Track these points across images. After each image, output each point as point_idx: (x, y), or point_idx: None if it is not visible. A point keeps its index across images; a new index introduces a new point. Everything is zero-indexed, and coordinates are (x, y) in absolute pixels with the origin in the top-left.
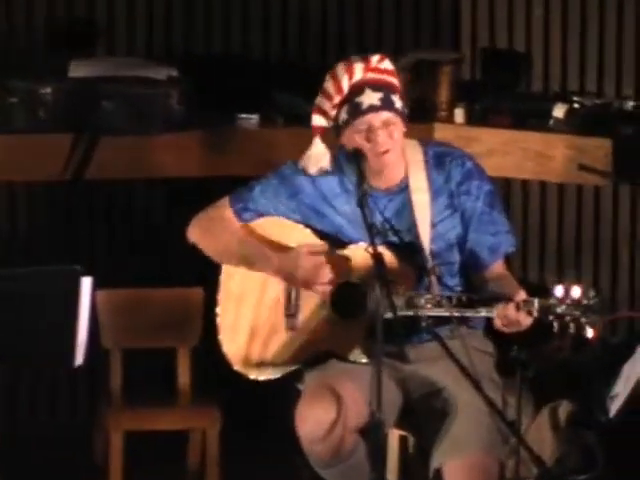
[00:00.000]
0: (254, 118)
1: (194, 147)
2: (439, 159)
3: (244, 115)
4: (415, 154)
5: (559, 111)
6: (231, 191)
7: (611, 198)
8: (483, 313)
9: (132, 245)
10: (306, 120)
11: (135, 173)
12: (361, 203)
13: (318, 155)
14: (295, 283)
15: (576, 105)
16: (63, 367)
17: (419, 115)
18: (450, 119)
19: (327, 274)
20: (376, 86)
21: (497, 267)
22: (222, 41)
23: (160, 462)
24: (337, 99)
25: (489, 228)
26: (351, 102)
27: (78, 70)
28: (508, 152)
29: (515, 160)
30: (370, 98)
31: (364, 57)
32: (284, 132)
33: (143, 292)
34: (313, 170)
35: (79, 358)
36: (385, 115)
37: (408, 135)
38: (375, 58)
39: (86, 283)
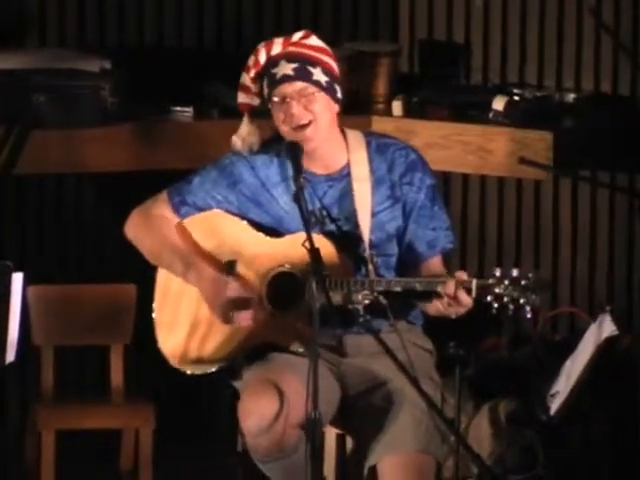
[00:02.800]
0: (188, 111)
1: (127, 141)
2: (382, 148)
3: (178, 108)
4: (357, 142)
5: (499, 103)
6: (166, 186)
7: (552, 193)
8: (420, 286)
9: (63, 241)
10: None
11: (67, 168)
12: (297, 197)
13: (245, 133)
14: (212, 310)
15: (516, 97)
16: None
17: (356, 108)
18: (388, 112)
19: (247, 318)
20: (292, 58)
21: (434, 263)
22: (155, 31)
23: (92, 462)
24: (253, 72)
25: (429, 223)
26: (267, 74)
27: (7, 61)
28: (447, 145)
29: (454, 154)
30: (284, 69)
31: (288, 35)
32: (219, 125)
33: (75, 288)
34: (243, 149)
35: (10, 355)
36: (299, 85)
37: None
38: (299, 34)
39: (17, 279)
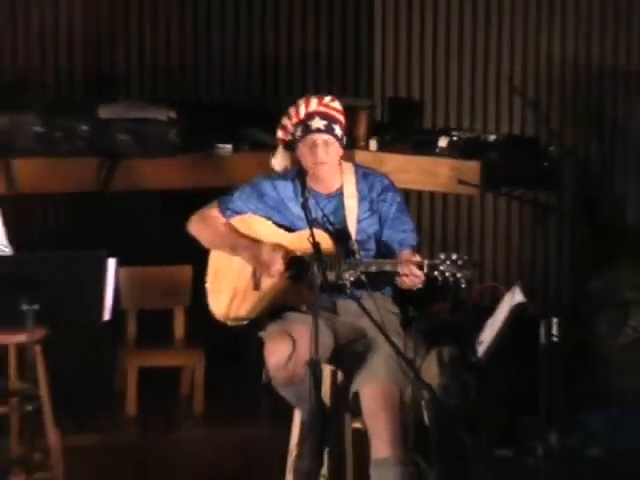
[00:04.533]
0: (228, 147)
1: (186, 167)
2: (365, 176)
3: (221, 145)
4: (349, 172)
5: (443, 142)
6: (212, 199)
7: (480, 204)
8: (388, 267)
9: (141, 235)
10: (264, 148)
11: (145, 185)
12: (304, 206)
13: (282, 157)
14: (258, 269)
15: (455, 137)
16: (96, 321)
17: (344, 145)
18: (366, 147)
19: (279, 267)
20: (323, 116)
21: (405, 254)
22: (205, 88)
23: (161, 391)
24: (294, 120)
25: (399, 227)
26: (305, 124)
27: (105, 112)
28: (407, 170)
29: (412, 176)
30: (317, 123)
31: (321, 96)
32: (249, 157)
33: (151, 268)
34: (279, 168)
35: (107, 315)
36: (326, 137)
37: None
38: (328, 98)
39: (111, 262)
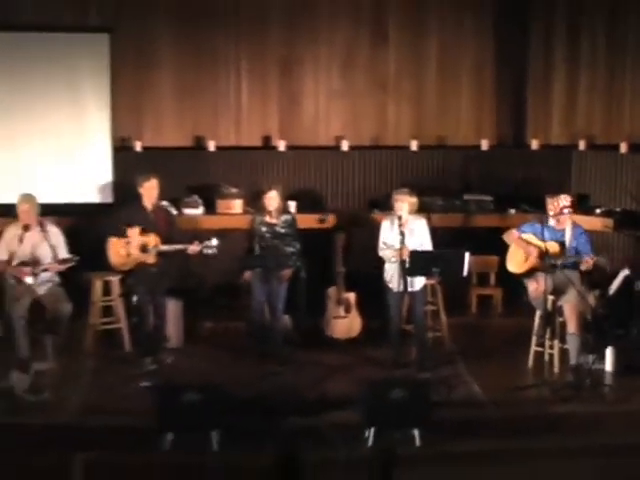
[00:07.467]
0: (512, 211)
1: (497, 219)
2: (575, 227)
3: (510, 209)
4: (570, 223)
5: (598, 211)
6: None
7: (613, 237)
8: (578, 259)
9: (478, 242)
10: (526, 212)
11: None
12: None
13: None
14: (526, 253)
15: (603, 209)
16: (460, 276)
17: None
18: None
19: (530, 254)
20: (567, 206)
21: (586, 257)
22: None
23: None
24: (552, 207)
25: (584, 249)
26: (559, 210)
27: (467, 196)
28: (583, 223)
29: (585, 225)
30: (563, 202)
31: (564, 197)
32: (518, 216)
33: (481, 257)
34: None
35: (464, 273)
36: (568, 212)
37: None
38: (568, 197)
39: (467, 254)
